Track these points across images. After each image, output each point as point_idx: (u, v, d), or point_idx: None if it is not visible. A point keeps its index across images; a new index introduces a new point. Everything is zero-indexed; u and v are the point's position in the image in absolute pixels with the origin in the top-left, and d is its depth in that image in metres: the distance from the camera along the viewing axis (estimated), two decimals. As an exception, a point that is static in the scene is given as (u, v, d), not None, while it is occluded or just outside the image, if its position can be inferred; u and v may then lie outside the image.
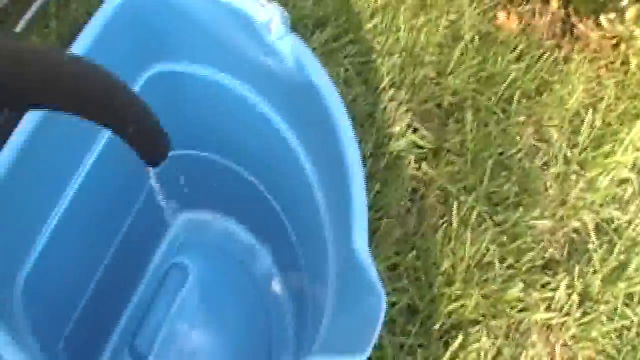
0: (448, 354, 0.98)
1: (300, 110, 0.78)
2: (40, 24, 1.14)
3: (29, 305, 0.71)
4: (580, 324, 1.07)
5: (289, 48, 0.71)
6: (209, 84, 0.85)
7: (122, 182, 0.87)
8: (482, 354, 1.01)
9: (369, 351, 0.57)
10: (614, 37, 1.36)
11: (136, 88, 0.83)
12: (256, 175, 0.96)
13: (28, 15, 0.64)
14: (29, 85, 0.46)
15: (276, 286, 0.99)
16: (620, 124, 1.28)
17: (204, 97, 0.88)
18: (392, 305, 1.01)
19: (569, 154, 1.23)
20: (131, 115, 0.58)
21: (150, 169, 0.70)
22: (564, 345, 1.06)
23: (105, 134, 0.80)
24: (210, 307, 1.00)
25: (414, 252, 1.04)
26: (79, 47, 0.70)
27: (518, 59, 1.32)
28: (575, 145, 1.24)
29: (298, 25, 1.24)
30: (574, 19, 1.38)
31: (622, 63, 1.36)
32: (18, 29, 0.86)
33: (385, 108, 1.18)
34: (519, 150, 1.20)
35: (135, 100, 0.58)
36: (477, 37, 1.32)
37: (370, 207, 1.03)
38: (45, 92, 0.48)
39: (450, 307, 1.02)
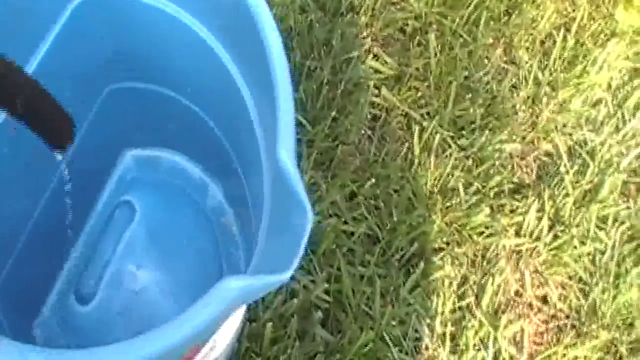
0: (409, 283, 0.94)
1: (235, 30, 0.73)
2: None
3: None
4: (551, 249, 1.02)
5: None
6: (143, 9, 0.79)
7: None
8: (446, 282, 0.96)
9: (292, 268, 0.53)
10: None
11: (62, 19, 0.77)
12: (198, 104, 0.91)
13: None
14: None
15: (226, 221, 0.94)
16: (594, 44, 1.22)
17: (139, 25, 0.82)
18: (350, 235, 0.96)
19: (540, 76, 1.17)
20: (22, 95, 0.54)
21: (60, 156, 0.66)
22: (535, 271, 1.01)
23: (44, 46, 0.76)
24: (159, 244, 0.96)
25: (373, 180, 0.99)
26: None
27: (485, -21, 1.25)
28: (546, 67, 1.18)
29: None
30: None
31: (596, -20, 1.30)
32: None
33: (343, 34, 1.11)
34: (487, 73, 1.15)
35: (26, 79, 0.54)
36: (441, -42, 1.25)
37: (326, 136, 0.98)
38: None
39: (412, 235, 0.97)
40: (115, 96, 0.95)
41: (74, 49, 0.81)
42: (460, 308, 0.95)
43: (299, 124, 1.03)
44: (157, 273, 0.95)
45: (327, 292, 0.92)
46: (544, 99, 1.14)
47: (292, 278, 0.92)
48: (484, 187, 1.03)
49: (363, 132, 1.05)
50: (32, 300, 0.94)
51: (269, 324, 0.86)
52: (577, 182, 1.07)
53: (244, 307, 0.80)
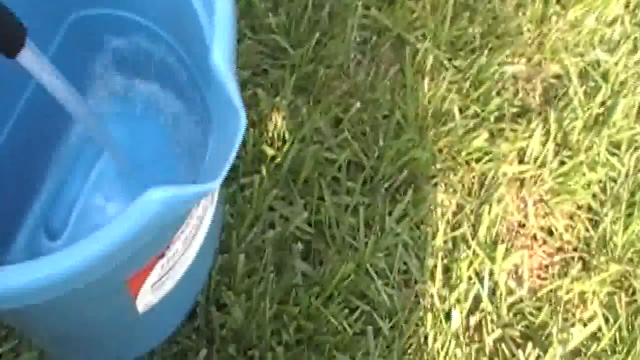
0: (396, 212, 0.86)
1: None
2: None
3: None
4: (558, 176, 0.93)
5: None
6: None
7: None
8: (439, 211, 0.88)
9: (221, 177, 0.48)
10: None
11: None
12: (159, 25, 0.85)
13: None
14: None
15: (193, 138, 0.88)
16: (611, -42, 1.12)
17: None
18: (333, 162, 0.89)
19: (548, -6, 1.07)
20: None
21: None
22: (539, 200, 0.93)
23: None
24: (128, 177, 0.90)
25: (360, 105, 0.91)
26: None
27: None
28: (556, -16, 1.08)
29: None
30: None
31: None
32: None
33: (331, -47, 1.03)
34: (488, -8, 1.05)
35: None
36: None
37: (311, 60, 0.91)
38: None
39: (401, 162, 0.89)
40: (80, 24, 0.89)
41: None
42: (453, 239, 0.87)
43: (281, 49, 0.96)
44: (127, 206, 0.90)
45: (308, 223, 0.86)
46: (553, 18, 1.05)
47: (272, 209, 0.86)
48: (482, 110, 0.95)
49: (352, 56, 0.97)
50: (1, 237, 0.90)
51: (242, 256, 0.80)
52: (587, 105, 0.98)
53: (204, 227, 0.74)
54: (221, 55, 0.55)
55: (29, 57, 0.64)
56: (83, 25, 0.90)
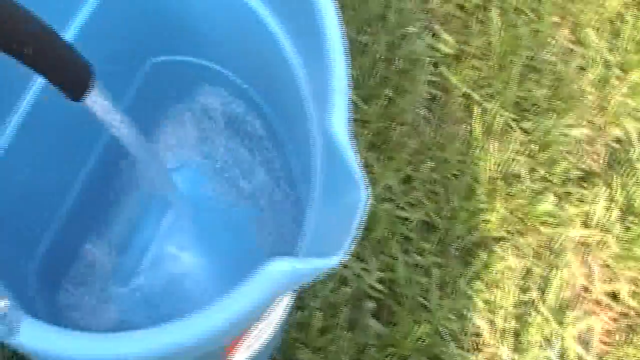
0: (468, 274, 0.87)
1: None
2: None
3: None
4: (622, 242, 0.94)
5: None
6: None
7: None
8: (508, 274, 0.89)
9: (344, 251, 0.47)
10: None
11: None
12: (243, 77, 0.85)
13: None
14: None
15: (270, 194, 0.89)
16: (668, 24, 1.14)
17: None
18: (405, 221, 0.89)
19: (609, 57, 1.09)
20: (25, 33, 0.49)
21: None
22: (604, 265, 0.93)
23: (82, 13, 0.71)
24: (201, 225, 0.91)
25: (431, 163, 0.92)
26: None
27: (551, -46, 1.17)
28: (616, 48, 1.10)
29: None
30: None
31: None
32: None
33: (399, 8, 1.05)
34: (552, 53, 1.07)
35: (32, 18, 0.49)
36: None
37: (381, 116, 0.92)
38: None
39: (472, 223, 0.90)
40: (157, 70, 0.90)
41: (114, 18, 0.76)
42: (523, 302, 0.88)
43: (352, 103, 0.96)
44: (199, 255, 0.90)
45: (380, 281, 0.86)
46: (614, 82, 1.06)
47: (344, 265, 0.86)
48: (549, 173, 0.96)
49: (420, 112, 0.98)
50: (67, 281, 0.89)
51: (318, 313, 0.80)
52: (650, 170, 0.99)
53: (291, 294, 0.74)
54: (340, 124, 0.54)
55: (95, 101, 0.62)
56: (162, 72, 0.90)
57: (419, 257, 0.88)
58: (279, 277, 0.45)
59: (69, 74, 0.57)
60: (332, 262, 0.46)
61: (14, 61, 0.50)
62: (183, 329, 0.45)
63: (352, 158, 0.51)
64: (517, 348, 0.85)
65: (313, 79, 0.66)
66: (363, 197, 0.49)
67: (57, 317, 0.87)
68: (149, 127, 0.93)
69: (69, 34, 0.70)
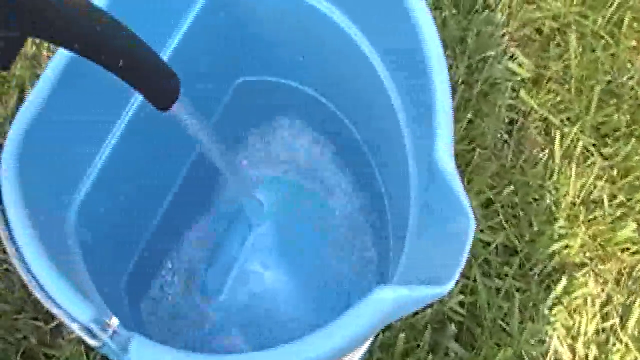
0: (550, 299, 0.87)
1: (380, 20, 0.68)
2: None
3: (84, 244, 0.64)
4: (703, 270, 0.94)
5: None
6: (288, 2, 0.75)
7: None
8: (589, 300, 0.89)
9: (454, 280, 0.48)
10: None
11: (196, 6, 0.74)
12: (337, 103, 0.87)
13: None
14: None
15: (354, 216, 0.90)
16: None
17: (274, 16, 0.79)
18: (486, 245, 0.90)
19: (689, 83, 1.08)
20: (121, 47, 0.52)
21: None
22: (684, 293, 0.93)
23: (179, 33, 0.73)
24: (285, 244, 0.92)
25: (511, 187, 0.93)
26: None
27: (629, -22, 1.17)
28: (695, 73, 1.10)
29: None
30: None
31: None
32: None
33: (478, 32, 1.06)
34: (631, 78, 1.07)
35: (128, 33, 0.51)
36: (582, -45, 1.18)
37: (462, 138, 0.93)
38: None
39: (553, 248, 0.90)
40: (246, 88, 0.92)
41: (207, 37, 0.78)
42: (604, 330, 0.88)
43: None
44: (281, 273, 0.92)
45: (461, 304, 0.87)
46: (694, 108, 1.06)
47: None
48: (629, 200, 0.96)
49: (499, 135, 0.99)
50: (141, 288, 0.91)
51: (402, 334, 0.81)
52: None
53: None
54: (446, 154, 0.54)
55: (181, 111, 0.64)
56: (251, 91, 0.92)
57: (499, 281, 0.88)
58: (389, 304, 0.46)
59: (158, 85, 0.59)
60: (443, 290, 0.47)
61: (110, 77, 0.53)
62: (290, 355, 0.46)
63: (460, 186, 0.52)
64: (598, 375, 0.86)
65: (410, 105, 0.67)
66: (472, 225, 0.50)
67: (139, 331, 0.89)
68: (235, 144, 0.96)
69: (163, 54, 0.73)
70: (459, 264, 0.49)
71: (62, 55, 0.58)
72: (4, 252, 0.87)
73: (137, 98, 0.72)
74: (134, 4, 0.62)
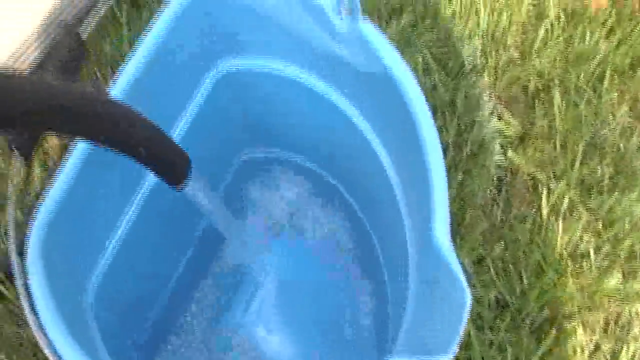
0: (541, 350, 0.93)
1: (375, 100, 0.75)
2: (114, 33, 1.15)
3: (101, 314, 0.71)
4: (688, 315, 0.99)
5: (361, 34, 0.66)
6: (277, 78, 0.83)
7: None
8: (579, 349, 0.95)
9: (453, 351, 0.53)
10: None
11: (203, 88, 0.82)
12: (330, 171, 0.94)
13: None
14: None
15: (356, 285, 0.96)
16: None
17: (274, 93, 0.86)
18: (479, 300, 0.96)
19: (668, 132, 1.14)
20: (140, 136, 0.58)
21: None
22: (670, 338, 0.98)
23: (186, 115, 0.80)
24: (287, 309, 0.98)
25: (502, 244, 0.99)
26: (146, 49, 0.68)
27: (608, 34, 1.24)
28: (675, 123, 1.16)
29: (373, 15, 1.20)
30: (669, -13, 1.29)
31: None
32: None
33: (466, 94, 1.13)
34: (613, 131, 1.13)
35: (145, 122, 0.58)
36: (563, 15, 1.25)
37: (453, 199, 0.99)
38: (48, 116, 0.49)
39: (542, 300, 0.96)
40: (250, 164, 0.98)
41: (214, 117, 0.85)
42: (594, 377, 0.93)
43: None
44: (285, 334, 0.97)
45: (456, 359, 0.92)
46: (675, 157, 1.11)
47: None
48: (614, 250, 1.02)
49: (489, 193, 1.05)
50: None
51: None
52: None
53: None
54: (443, 232, 0.59)
55: (194, 188, 0.71)
56: (253, 165, 0.98)
57: (492, 334, 0.94)
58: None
59: (172, 166, 0.66)
60: (445, 358, 0.52)
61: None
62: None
63: (456, 263, 0.57)
64: (590, 421, 0.91)
65: (407, 183, 0.74)
66: (468, 299, 0.55)
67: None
68: (241, 212, 1.02)
69: (173, 133, 0.79)
70: (457, 334, 0.54)
71: (80, 147, 0.65)
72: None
73: (148, 181, 0.79)
74: (146, 89, 0.69)
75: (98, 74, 1.14)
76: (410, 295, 0.69)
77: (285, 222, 1.02)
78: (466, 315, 0.53)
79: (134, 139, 0.58)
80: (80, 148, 0.65)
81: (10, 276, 0.94)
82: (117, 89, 0.66)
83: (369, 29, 0.66)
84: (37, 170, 1.01)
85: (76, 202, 0.66)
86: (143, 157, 0.60)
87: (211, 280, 0.99)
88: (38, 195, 0.71)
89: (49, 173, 0.98)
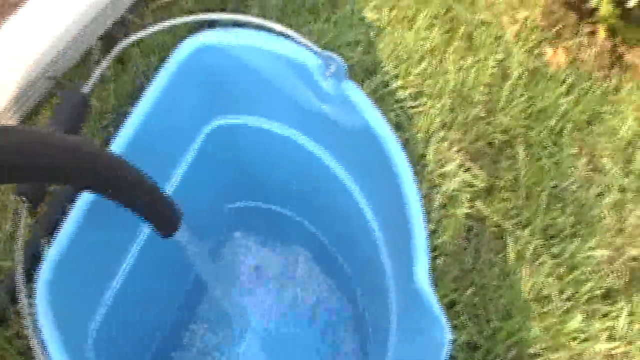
0: (510, 388, 1.00)
1: (359, 155, 0.81)
2: (100, 87, 1.22)
3: (100, 356, 0.77)
4: (645, 353, 1.07)
5: (346, 94, 0.73)
6: (267, 135, 0.89)
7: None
8: (545, 387, 1.02)
9: None
10: (664, 63, 1.37)
11: (197, 143, 0.88)
12: (313, 221, 1.01)
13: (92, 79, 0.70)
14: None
15: (338, 332, 1.03)
16: (676, 150, 1.29)
17: (264, 149, 0.92)
18: (452, 342, 1.03)
19: (624, 183, 1.24)
20: (139, 190, 0.65)
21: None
22: (630, 374, 1.06)
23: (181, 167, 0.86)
24: (273, 355, 1.04)
25: (472, 289, 1.07)
26: (145, 105, 0.74)
27: (568, 92, 1.34)
28: (629, 173, 1.25)
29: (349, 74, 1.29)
30: (621, 48, 1.40)
31: (675, 88, 1.37)
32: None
33: (437, 149, 1.21)
34: (573, 182, 1.22)
35: (142, 177, 0.64)
36: (525, 74, 1.35)
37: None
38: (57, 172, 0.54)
39: (510, 342, 1.03)
40: (240, 214, 1.04)
41: (207, 169, 0.91)
42: (559, 413, 1.00)
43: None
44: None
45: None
46: (629, 205, 1.20)
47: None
48: (576, 293, 1.09)
49: (459, 242, 1.13)
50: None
51: None
52: (666, 286, 1.12)
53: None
54: (424, 277, 0.65)
55: (183, 237, 0.78)
56: (243, 214, 1.04)
57: (465, 374, 1.01)
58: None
59: (164, 217, 0.73)
60: None
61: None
62: None
63: (437, 305, 0.62)
64: None
65: (388, 230, 0.80)
66: (447, 337, 0.61)
67: None
68: (231, 264, 1.08)
69: (167, 185, 0.85)
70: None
71: (85, 198, 0.70)
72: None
73: (143, 233, 0.85)
74: (143, 145, 0.75)
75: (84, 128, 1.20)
76: (391, 337, 0.75)
77: (271, 272, 1.08)
78: (447, 353, 0.59)
79: (136, 192, 0.65)
80: (85, 199, 0.70)
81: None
82: (118, 143, 0.73)
83: (353, 90, 0.74)
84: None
85: (79, 250, 0.71)
86: (140, 209, 0.67)
87: (199, 324, 1.05)
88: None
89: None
